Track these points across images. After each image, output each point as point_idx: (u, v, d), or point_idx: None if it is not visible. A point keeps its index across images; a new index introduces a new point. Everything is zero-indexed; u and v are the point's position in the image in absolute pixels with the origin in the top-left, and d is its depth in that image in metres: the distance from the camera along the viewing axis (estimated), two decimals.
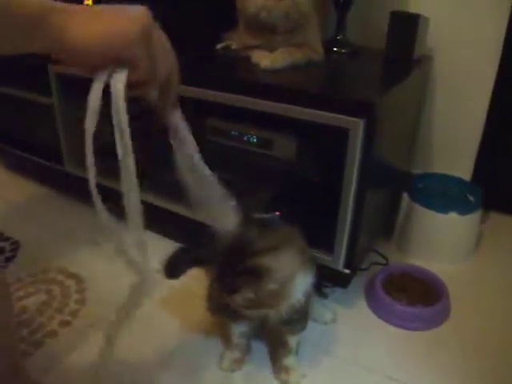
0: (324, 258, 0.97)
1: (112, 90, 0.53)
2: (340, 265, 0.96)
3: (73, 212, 1.39)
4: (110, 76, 0.52)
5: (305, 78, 0.98)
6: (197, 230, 1.01)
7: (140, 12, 0.51)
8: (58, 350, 0.92)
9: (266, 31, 1.00)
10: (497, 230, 1.31)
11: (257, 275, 0.69)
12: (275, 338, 0.89)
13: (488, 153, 1.29)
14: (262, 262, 0.69)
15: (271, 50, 1.01)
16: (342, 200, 0.89)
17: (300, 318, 0.81)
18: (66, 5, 0.50)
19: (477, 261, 1.20)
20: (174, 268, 0.97)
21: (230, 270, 0.72)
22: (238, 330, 0.87)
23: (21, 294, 1.06)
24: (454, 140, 1.32)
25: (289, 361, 0.86)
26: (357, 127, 0.81)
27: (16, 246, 1.23)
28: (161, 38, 0.55)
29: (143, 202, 0.58)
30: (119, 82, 0.52)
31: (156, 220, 1.14)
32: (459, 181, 1.26)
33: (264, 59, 0.97)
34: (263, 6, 0.96)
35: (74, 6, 0.50)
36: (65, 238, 1.27)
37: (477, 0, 1.18)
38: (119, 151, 0.56)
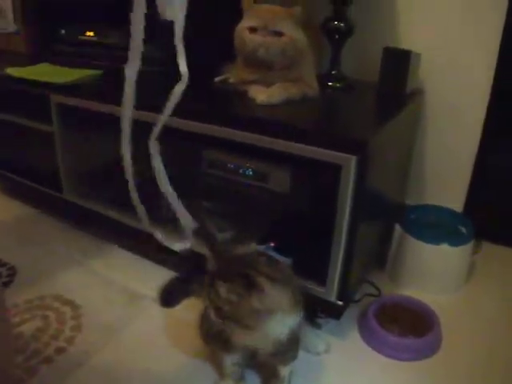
0: (317, 289, 0.98)
1: None
2: (333, 296, 0.97)
3: (70, 238, 1.41)
4: None
5: (299, 113, 1.01)
6: (193, 259, 1.03)
7: None
8: (54, 378, 0.93)
9: (263, 67, 1.03)
10: (489, 260, 1.33)
11: (249, 286, 0.70)
12: (267, 368, 0.90)
13: (480, 184, 1.32)
14: (259, 280, 0.71)
15: (267, 84, 1.04)
16: (334, 233, 0.91)
17: (288, 350, 0.82)
18: None
19: (469, 291, 1.22)
20: (169, 297, 0.99)
21: (229, 269, 0.73)
22: (230, 359, 0.87)
23: (17, 319, 1.07)
24: (446, 172, 1.35)
25: None
26: (349, 163, 0.84)
27: (12, 271, 1.24)
28: None
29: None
30: None
31: (153, 248, 1.16)
32: (451, 212, 1.28)
33: (260, 94, 1.00)
34: (261, 43, 0.99)
35: None
36: (61, 264, 1.28)
37: (466, 33, 1.22)
38: None
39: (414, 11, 1.27)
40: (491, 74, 1.21)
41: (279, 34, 0.99)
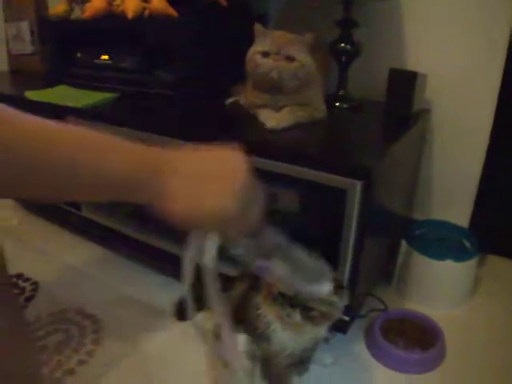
0: None
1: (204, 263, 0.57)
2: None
3: (90, 255, 1.47)
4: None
5: (307, 138, 1.06)
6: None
7: (241, 169, 0.56)
8: None
9: (273, 90, 1.08)
10: (494, 274, 1.36)
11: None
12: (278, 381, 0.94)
13: (485, 199, 1.35)
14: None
15: (276, 108, 1.09)
16: (340, 253, 0.96)
17: (308, 358, 0.87)
18: (164, 162, 0.52)
19: (474, 305, 1.25)
20: (183, 310, 1.04)
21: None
22: None
23: (41, 333, 1.13)
24: (452, 187, 1.39)
25: None
26: (354, 188, 0.89)
27: (35, 286, 1.30)
28: (255, 188, 0.58)
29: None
30: (209, 254, 0.55)
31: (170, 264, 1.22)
32: (456, 227, 1.32)
33: (271, 120, 1.05)
34: (274, 67, 1.04)
35: (173, 162, 0.53)
36: (83, 280, 1.34)
37: (473, 54, 1.26)
38: None
39: (422, 33, 1.30)
40: (496, 94, 1.25)
41: (291, 58, 1.04)
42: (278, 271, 0.79)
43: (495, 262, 1.41)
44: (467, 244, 1.28)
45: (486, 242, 1.34)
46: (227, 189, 0.52)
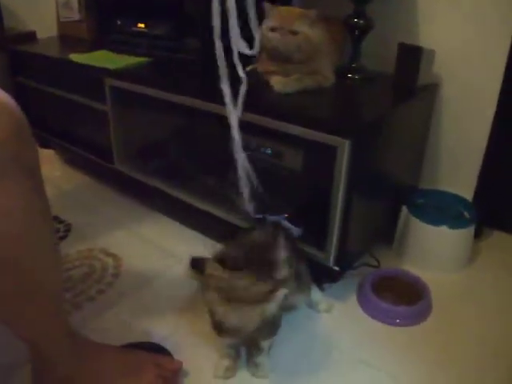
0: (318, 255, 1.13)
1: None
2: (330, 262, 1.12)
3: (119, 203, 1.64)
4: None
5: (310, 102, 1.14)
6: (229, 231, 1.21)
7: None
8: (94, 312, 1.14)
9: (282, 60, 1.17)
10: (495, 247, 1.41)
11: (271, 272, 0.83)
12: (251, 341, 1.00)
13: (490, 172, 1.40)
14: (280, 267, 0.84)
15: (286, 75, 1.18)
16: (331, 207, 1.05)
17: (271, 326, 0.94)
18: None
19: (467, 274, 1.31)
20: (197, 264, 1.18)
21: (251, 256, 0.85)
22: (226, 341, 0.98)
23: (68, 265, 1.29)
24: (459, 159, 1.44)
25: (259, 359, 0.98)
26: (343, 146, 0.98)
27: (68, 227, 1.47)
28: None
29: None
30: None
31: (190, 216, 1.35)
32: (458, 198, 1.38)
33: (277, 84, 1.15)
34: (279, 40, 1.14)
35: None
36: (110, 225, 1.50)
37: (483, 31, 1.30)
38: None
39: (433, 9, 1.36)
40: (502, 68, 1.29)
41: (295, 32, 1.13)
42: None
43: (498, 236, 1.46)
44: (467, 215, 1.34)
45: (489, 215, 1.40)
46: None
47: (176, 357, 0.99)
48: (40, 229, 0.76)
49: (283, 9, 1.17)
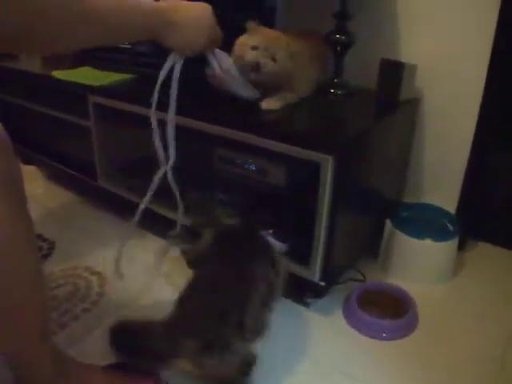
0: (304, 271, 1.13)
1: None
2: (316, 277, 1.12)
3: (103, 220, 1.62)
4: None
5: (293, 118, 1.16)
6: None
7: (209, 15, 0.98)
8: (80, 331, 1.12)
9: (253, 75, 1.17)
10: (478, 258, 1.44)
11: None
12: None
13: (472, 185, 1.42)
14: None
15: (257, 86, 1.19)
16: (316, 222, 1.06)
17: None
18: (167, 15, 0.90)
19: (452, 285, 1.32)
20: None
21: None
22: None
23: (53, 284, 1.27)
24: (441, 173, 1.47)
25: None
26: (326, 162, 0.98)
27: (52, 246, 1.45)
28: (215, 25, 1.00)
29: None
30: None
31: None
32: (441, 211, 1.40)
33: (264, 103, 1.17)
34: (260, 59, 1.14)
35: (170, 13, 0.91)
36: (94, 242, 1.48)
37: (462, 46, 1.33)
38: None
39: (415, 24, 1.39)
40: (482, 84, 1.32)
41: (274, 59, 1.14)
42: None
43: (482, 248, 1.48)
44: (451, 227, 1.35)
45: (473, 227, 1.42)
46: (203, 32, 0.97)
47: (162, 376, 0.98)
48: (23, 248, 0.75)
49: (268, 31, 1.17)
